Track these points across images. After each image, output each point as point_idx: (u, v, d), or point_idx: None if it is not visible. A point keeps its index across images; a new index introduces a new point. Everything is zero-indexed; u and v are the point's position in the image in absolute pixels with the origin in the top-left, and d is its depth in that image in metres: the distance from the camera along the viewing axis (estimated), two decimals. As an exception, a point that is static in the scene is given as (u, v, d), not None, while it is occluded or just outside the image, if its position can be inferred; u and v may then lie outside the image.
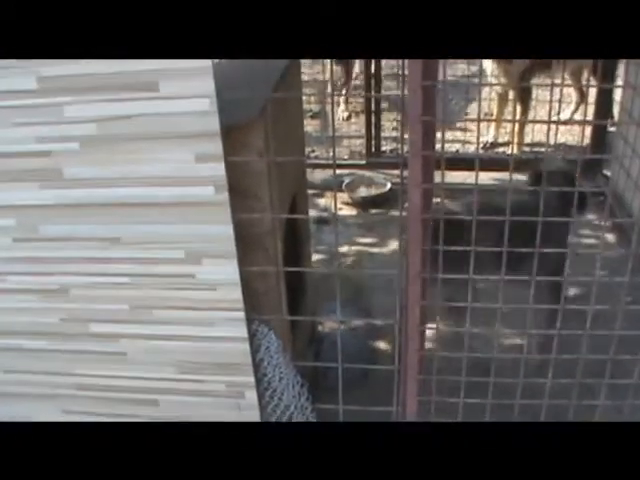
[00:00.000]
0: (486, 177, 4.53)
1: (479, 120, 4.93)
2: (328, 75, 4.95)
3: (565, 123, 5.47)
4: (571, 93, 5.65)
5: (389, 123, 5.64)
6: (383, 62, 5.10)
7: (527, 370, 2.00)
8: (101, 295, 2.05)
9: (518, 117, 5.15)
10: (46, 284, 2.06)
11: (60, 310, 2.11)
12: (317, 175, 4.85)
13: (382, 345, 3.22)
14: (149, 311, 2.06)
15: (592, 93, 4.85)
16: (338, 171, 4.53)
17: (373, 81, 5.07)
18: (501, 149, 5.37)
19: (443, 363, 2.06)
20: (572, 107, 5.63)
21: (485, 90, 5.51)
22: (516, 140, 5.12)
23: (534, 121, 5.62)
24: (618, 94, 4.73)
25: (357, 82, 6.13)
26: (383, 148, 5.33)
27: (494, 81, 5.11)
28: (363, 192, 4.81)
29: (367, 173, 5.02)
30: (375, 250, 4.17)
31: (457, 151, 5.36)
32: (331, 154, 1.85)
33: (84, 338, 2.14)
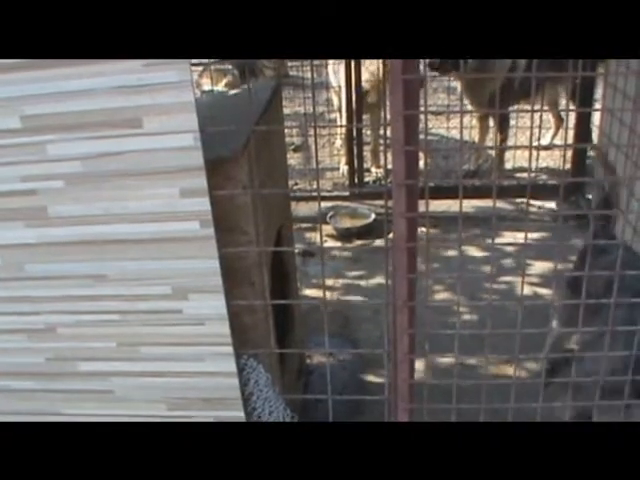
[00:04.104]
0: (469, 205, 4.58)
1: (461, 148, 4.98)
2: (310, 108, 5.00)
3: (546, 148, 5.53)
4: (550, 119, 5.72)
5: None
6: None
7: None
8: (88, 333, 2.04)
9: (497, 143, 5.20)
10: (32, 323, 2.05)
11: (47, 349, 2.09)
12: (301, 208, 4.86)
13: (372, 375, 3.21)
14: (137, 348, 2.05)
15: (572, 118, 4.91)
16: (322, 203, 4.55)
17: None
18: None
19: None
20: (552, 132, 5.68)
21: (465, 119, 5.56)
22: (495, 166, 5.17)
23: (515, 147, 5.67)
24: (597, 119, 4.79)
25: (333, 115, 6.15)
26: (366, 179, 5.36)
27: (470, 108, 5.17)
28: (347, 223, 4.82)
29: (351, 204, 5.03)
30: (361, 281, 4.17)
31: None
32: (315, 186, 1.86)
33: (72, 377, 2.12)
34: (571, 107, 5.14)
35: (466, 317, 3.58)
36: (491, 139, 5.45)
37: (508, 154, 5.39)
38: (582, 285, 1.89)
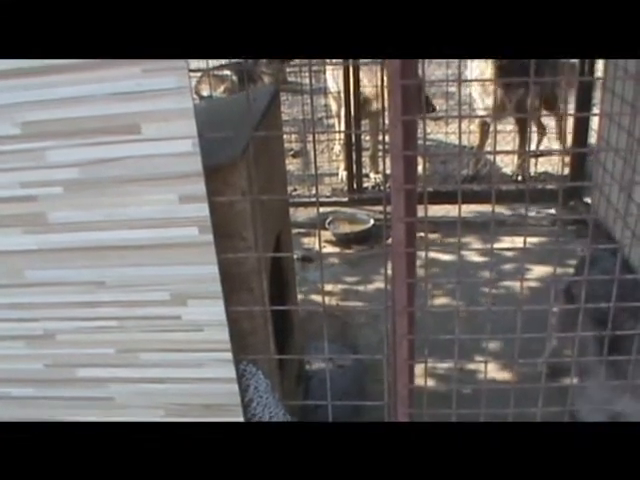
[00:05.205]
0: (468, 210, 4.58)
1: (460, 153, 4.98)
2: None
3: (543, 154, 5.53)
4: (549, 123, 5.73)
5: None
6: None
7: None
8: (87, 340, 2.03)
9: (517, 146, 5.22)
10: (31, 330, 2.04)
11: (46, 356, 2.09)
12: (300, 213, 4.87)
13: (371, 381, 3.20)
14: (136, 354, 2.04)
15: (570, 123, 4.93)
16: (320, 209, 4.55)
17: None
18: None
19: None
20: (536, 139, 5.67)
21: (464, 124, 5.57)
22: (517, 164, 5.20)
23: (514, 151, 5.67)
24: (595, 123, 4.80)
25: (332, 121, 6.16)
26: (365, 184, 5.37)
27: (480, 113, 5.18)
28: (346, 229, 4.82)
29: (350, 210, 5.03)
30: (360, 286, 4.17)
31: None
32: (313, 192, 1.86)
33: (71, 384, 2.12)
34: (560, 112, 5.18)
35: (465, 322, 3.57)
36: (489, 144, 5.45)
37: (507, 159, 5.40)
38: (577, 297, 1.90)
